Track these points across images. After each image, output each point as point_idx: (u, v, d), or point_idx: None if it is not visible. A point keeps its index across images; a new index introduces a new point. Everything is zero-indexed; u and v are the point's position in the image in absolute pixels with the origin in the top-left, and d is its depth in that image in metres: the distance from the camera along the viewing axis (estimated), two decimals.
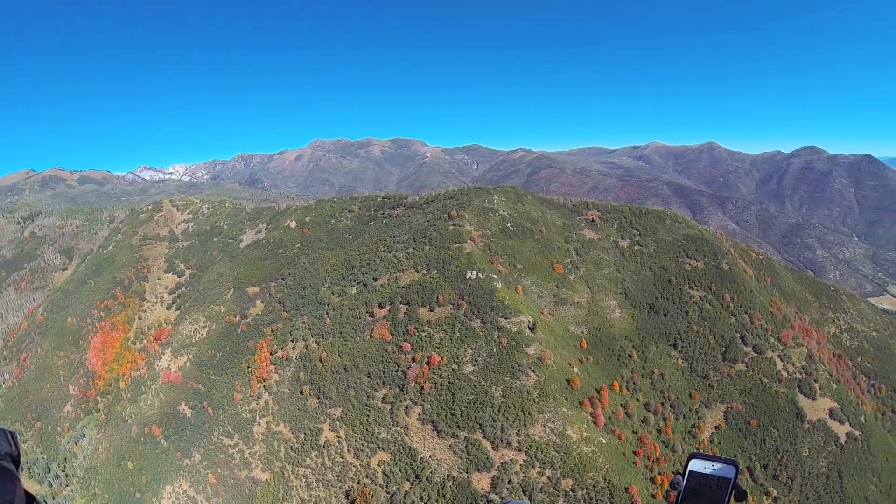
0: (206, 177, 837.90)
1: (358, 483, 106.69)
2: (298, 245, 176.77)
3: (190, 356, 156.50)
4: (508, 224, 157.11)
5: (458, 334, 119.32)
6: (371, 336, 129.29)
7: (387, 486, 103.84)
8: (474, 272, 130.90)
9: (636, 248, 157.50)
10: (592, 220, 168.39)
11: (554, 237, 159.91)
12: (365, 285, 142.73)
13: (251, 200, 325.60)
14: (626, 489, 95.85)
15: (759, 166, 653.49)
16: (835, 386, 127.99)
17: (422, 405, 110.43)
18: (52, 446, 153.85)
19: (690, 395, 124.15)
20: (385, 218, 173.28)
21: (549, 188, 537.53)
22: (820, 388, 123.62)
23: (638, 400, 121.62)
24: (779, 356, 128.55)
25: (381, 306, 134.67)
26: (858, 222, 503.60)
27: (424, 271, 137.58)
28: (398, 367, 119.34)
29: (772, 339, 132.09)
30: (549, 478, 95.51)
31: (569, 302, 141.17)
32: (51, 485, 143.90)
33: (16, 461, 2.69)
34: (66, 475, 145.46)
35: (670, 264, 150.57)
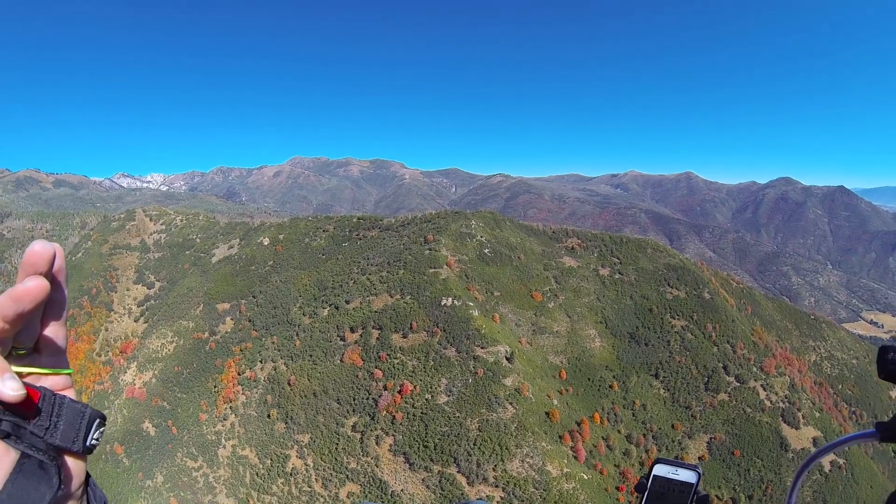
0: (183, 188, 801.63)
1: None
2: (271, 263, 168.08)
3: (156, 372, 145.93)
4: (486, 250, 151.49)
5: (433, 363, 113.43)
6: (342, 361, 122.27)
7: None
8: (450, 299, 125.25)
9: (617, 276, 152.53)
10: (572, 248, 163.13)
11: (533, 264, 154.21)
12: (337, 308, 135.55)
13: (227, 214, 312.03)
14: None
15: (736, 196, 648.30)
16: (818, 414, 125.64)
17: (393, 436, 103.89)
18: None
19: (673, 426, 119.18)
20: (360, 239, 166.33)
21: (528, 213, 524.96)
22: (803, 417, 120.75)
23: (619, 432, 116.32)
24: (761, 385, 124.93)
25: (352, 330, 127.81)
26: (832, 251, 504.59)
27: (398, 296, 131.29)
28: (369, 394, 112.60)
29: (754, 369, 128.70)
30: None
31: (547, 331, 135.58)
32: None
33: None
34: None
35: (651, 293, 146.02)
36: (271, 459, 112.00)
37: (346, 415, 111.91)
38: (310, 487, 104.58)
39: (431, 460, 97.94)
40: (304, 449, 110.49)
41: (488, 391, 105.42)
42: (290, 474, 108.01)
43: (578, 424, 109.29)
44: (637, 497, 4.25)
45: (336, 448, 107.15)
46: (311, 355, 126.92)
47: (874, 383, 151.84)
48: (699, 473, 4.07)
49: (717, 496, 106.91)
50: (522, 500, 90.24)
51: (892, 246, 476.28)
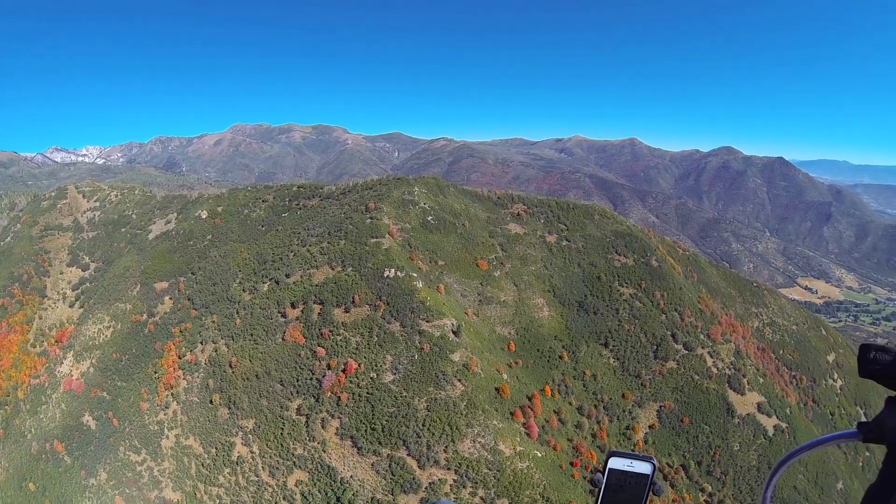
0: (121, 160, 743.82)
1: None
2: (210, 237, 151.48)
3: (93, 360, 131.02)
4: (429, 217, 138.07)
5: (376, 339, 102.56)
6: (283, 339, 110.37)
7: None
8: (393, 270, 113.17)
9: (564, 243, 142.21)
10: (518, 214, 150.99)
11: (478, 231, 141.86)
12: (277, 282, 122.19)
13: (166, 186, 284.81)
14: None
15: (679, 163, 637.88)
16: (761, 380, 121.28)
17: (339, 418, 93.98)
18: None
19: (623, 396, 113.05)
20: (300, 209, 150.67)
21: (471, 178, 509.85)
22: (748, 383, 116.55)
23: (570, 404, 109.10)
24: (708, 353, 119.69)
25: (293, 306, 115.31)
26: (770, 219, 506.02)
27: (339, 268, 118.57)
28: (312, 374, 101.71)
29: (701, 336, 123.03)
30: (482, 498, 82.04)
31: (494, 301, 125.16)
32: None
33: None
34: None
35: (599, 261, 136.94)
36: (216, 448, 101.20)
37: (290, 397, 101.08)
38: (257, 477, 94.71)
39: (380, 443, 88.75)
40: (249, 435, 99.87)
41: (435, 368, 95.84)
42: (237, 463, 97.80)
43: (529, 399, 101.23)
44: (594, 491, 4.03)
45: (281, 433, 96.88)
46: (251, 334, 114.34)
47: (812, 348, 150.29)
48: (654, 465, 3.95)
49: (667, 464, 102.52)
50: (476, 483, 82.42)
51: (826, 216, 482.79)
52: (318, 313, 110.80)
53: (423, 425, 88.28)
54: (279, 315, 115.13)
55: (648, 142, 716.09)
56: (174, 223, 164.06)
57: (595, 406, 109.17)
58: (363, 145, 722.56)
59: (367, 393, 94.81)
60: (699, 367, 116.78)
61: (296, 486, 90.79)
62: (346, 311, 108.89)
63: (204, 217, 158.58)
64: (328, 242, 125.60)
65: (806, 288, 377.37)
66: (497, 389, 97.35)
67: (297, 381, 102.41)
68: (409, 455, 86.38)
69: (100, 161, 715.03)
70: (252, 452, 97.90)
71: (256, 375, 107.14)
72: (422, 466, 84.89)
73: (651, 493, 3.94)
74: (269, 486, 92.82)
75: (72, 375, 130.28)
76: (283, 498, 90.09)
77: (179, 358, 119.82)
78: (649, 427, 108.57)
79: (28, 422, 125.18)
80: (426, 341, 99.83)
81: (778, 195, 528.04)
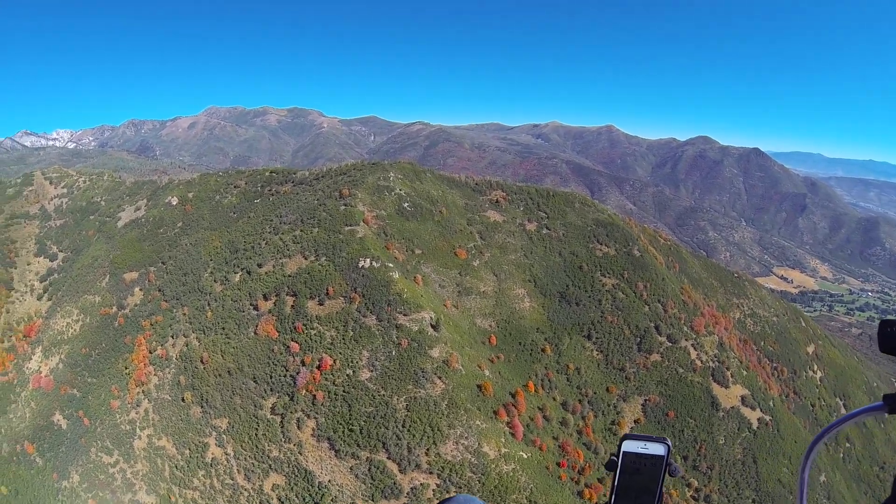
0: (93, 143, 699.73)
1: None
2: (180, 224, 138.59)
3: (62, 356, 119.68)
4: (406, 204, 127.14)
5: (352, 333, 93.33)
6: (255, 333, 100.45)
7: None
8: (368, 259, 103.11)
9: (544, 231, 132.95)
10: (497, 201, 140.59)
11: (456, 219, 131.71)
12: (249, 273, 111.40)
13: (139, 171, 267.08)
14: None
15: (656, 151, 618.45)
16: (745, 373, 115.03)
17: (315, 418, 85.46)
18: None
19: (608, 390, 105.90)
20: (273, 195, 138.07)
21: (447, 162, 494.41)
22: (732, 376, 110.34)
23: (554, 399, 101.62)
24: (692, 345, 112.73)
25: (265, 298, 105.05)
26: (746, 208, 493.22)
27: (313, 258, 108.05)
28: (286, 370, 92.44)
29: (685, 328, 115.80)
30: None
31: (474, 291, 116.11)
32: None
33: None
34: None
35: (581, 250, 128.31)
36: (189, 449, 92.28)
37: (264, 395, 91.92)
38: (232, 480, 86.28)
39: (358, 446, 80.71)
40: (223, 436, 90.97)
41: (414, 364, 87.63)
42: (211, 465, 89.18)
43: (513, 396, 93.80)
44: (609, 475, 3.90)
45: (256, 434, 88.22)
46: (223, 328, 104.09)
47: (792, 340, 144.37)
48: (668, 445, 3.86)
49: None
50: (460, 487, 75.02)
51: (801, 207, 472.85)
52: (292, 306, 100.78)
53: (403, 426, 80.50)
54: (251, 307, 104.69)
55: (626, 129, 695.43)
56: (144, 210, 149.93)
57: (580, 401, 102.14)
58: (339, 129, 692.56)
59: (344, 391, 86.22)
60: (683, 359, 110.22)
61: (272, 490, 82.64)
62: (320, 304, 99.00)
63: (174, 203, 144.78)
64: (301, 230, 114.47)
65: (782, 277, 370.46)
66: (479, 387, 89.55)
67: (271, 377, 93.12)
68: (389, 458, 78.67)
69: (71, 145, 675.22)
70: (226, 454, 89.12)
71: (229, 371, 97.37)
72: (403, 470, 77.24)
73: (667, 474, 3.78)
74: (245, 489, 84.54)
75: (41, 372, 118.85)
76: (260, 503, 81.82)
77: (150, 353, 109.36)
78: (634, 422, 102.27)
79: None
80: (404, 336, 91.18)
81: (754, 185, 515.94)
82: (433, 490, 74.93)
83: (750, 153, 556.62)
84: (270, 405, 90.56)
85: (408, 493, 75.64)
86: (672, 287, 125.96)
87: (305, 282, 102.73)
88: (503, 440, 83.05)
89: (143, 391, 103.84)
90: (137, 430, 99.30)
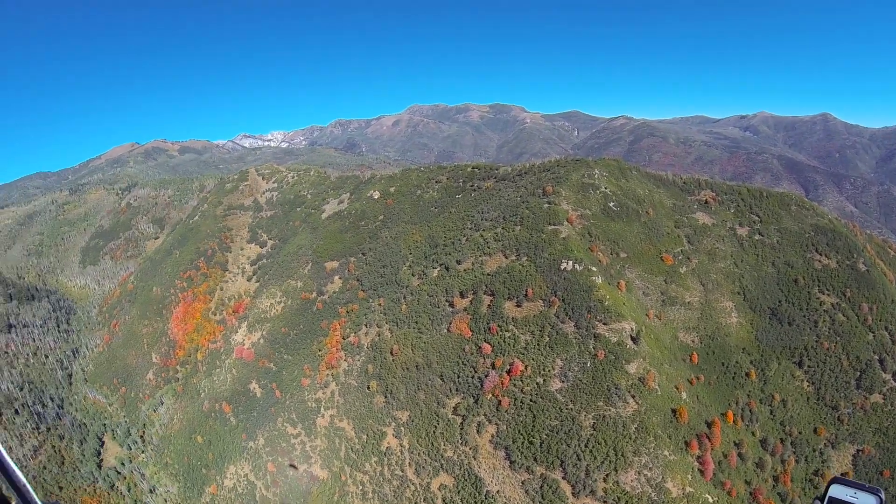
0: (303, 143, 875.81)
1: None
2: (381, 217, 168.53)
3: (264, 332, 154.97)
4: (611, 203, 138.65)
5: (547, 339, 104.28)
6: (448, 330, 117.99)
7: None
8: (570, 262, 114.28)
9: (756, 237, 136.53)
10: (706, 202, 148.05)
11: (662, 220, 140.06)
12: (447, 269, 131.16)
13: (345, 167, 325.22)
14: None
15: (881, 142, 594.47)
16: None
17: (497, 424, 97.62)
18: (134, 411, 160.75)
19: (816, 431, 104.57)
20: (474, 190, 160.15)
21: (652, 158, 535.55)
22: None
23: (753, 434, 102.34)
24: None
25: (462, 295, 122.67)
26: None
27: (514, 257, 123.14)
28: (475, 371, 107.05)
29: None
30: None
31: (678, 301, 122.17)
32: (130, 448, 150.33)
33: None
34: (144, 441, 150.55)
35: (797, 260, 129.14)
36: (367, 435, 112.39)
37: (449, 394, 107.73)
38: (402, 472, 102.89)
39: (535, 460, 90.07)
40: (402, 428, 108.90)
41: (608, 379, 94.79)
42: (385, 454, 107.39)
43: (709, 426, 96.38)
44: None
45: (434, 431, 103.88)
46: (416, 322, 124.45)
47: None
48: (881, 498, 3.85)
49: None
50: None
51: None
52: (488, 305, 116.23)
53: (586, 446, 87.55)
54: (447, 304, 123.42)
55: (844, 117, 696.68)
56: (346, 203, 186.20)
57: (781, 440, 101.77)
58: (542, 124, 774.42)
59: (531, 400, 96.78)
60: None
61: (439, 489, 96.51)
62: (518, 306, 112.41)
63: (376, 197, 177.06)
64: (503, 228, 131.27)
65: None
66: (674, 411, 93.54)
67: (458, 377, 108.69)
68: (564, 478, 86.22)
69: (284, 145, 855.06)
70: (402, 446, 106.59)
71: (417, 366, 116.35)
72: (576, 494, 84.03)
73: None
74: (413, 483, 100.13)
75: (244, 344, 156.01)
76: (424, 500, 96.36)
77: (343, 339, 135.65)
78: (841, 474, 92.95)
79: (203, 382, 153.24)
80: (601, 347, 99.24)
81: None
82: None
83: None
84: (453, 405, 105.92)
85: None
86: None
87: (504, 281, 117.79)
88: (690, 477, 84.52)
89: (332, 374, 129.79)
90: (322, 408, 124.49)
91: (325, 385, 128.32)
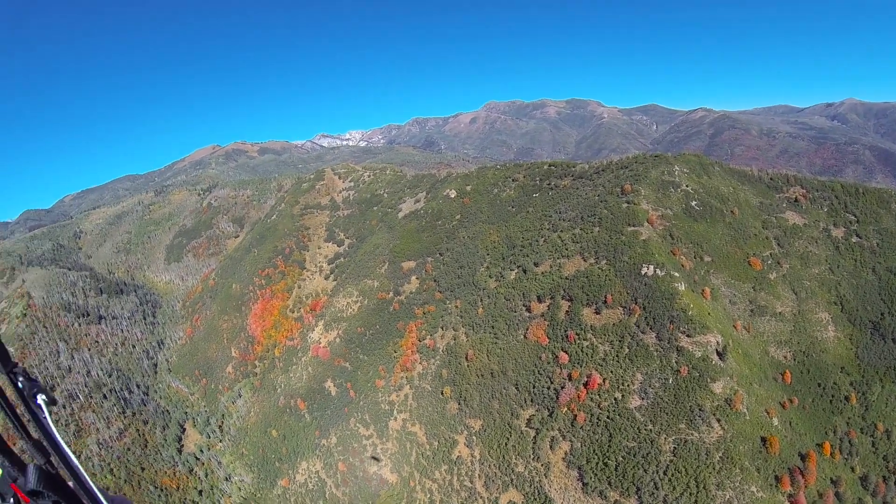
0: (381, 141, 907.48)
1: None
2: (458, 217, 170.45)
3: (340, 331, 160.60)
4: (693, 202, 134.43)
5: (627, 350, 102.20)
6: (525, 337, 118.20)
7: None
8: (651, 267, 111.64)
9: (854, 240, 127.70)
10: (796, 200, 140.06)
11: (749, 221, 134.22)
12: (525, 271, 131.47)
13: (423, 165, 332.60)
14: None
15: None
16: None
17: (571, 441, 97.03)
18: (214, 402, 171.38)
19: None
20: (551, 189, 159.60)
21: (734, 151, 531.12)
22: None
23: (853, 470, 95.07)
24: None
25: (539, 300, 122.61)
26: None
27: (592, 259, 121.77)
28: (551, 382, 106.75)
29: None
30: None
31: (769, 311, 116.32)
32: (209, 436, 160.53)
33: None
34: (222, 430, 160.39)
35: None
36: (439, 442, 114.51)
37: (523, 404, 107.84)
38: (471, 483, 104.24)
39: (609, 484, 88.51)
40: (474, 437, 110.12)
41: (691, 399, 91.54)
42: (455, 462, 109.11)
43: (803, 459, 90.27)
44: None
45: (506, 444, 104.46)
46: (493, 326, 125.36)
47: None
48: None
49: None
50: None
51: None
52: (566, 311, 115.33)
53: (665, 473, 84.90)
54: (524, 308, 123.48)
55: None
56: (423, 202, 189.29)
57: (884, 479, 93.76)
58: (619, 118, 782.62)
59: (608, 417, 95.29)
60: None
61: None
62: (597, 313, 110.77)
63: (452, 196, 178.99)
64: (581, 229, 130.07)
65: None
66: (763, 440, 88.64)
67: (534, 387, 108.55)
68: None
69: (362, 144, 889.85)
70: (472, 456, 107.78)
71: (492, 373, 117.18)
72: None
73: None
74: (481, 497, 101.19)
75: (320, 343, 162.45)
76: None
77: (419, 341, 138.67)
78: None
79: (280, 378, 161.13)
80: (685, 362, 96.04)
81: None
82: None
83: None
84: (528, 416, 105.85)
85: None
86: None
87: (583, 286, 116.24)
88: None
89: (406, 377, 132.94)
90: (395, 411, 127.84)
91: (399, 388, 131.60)
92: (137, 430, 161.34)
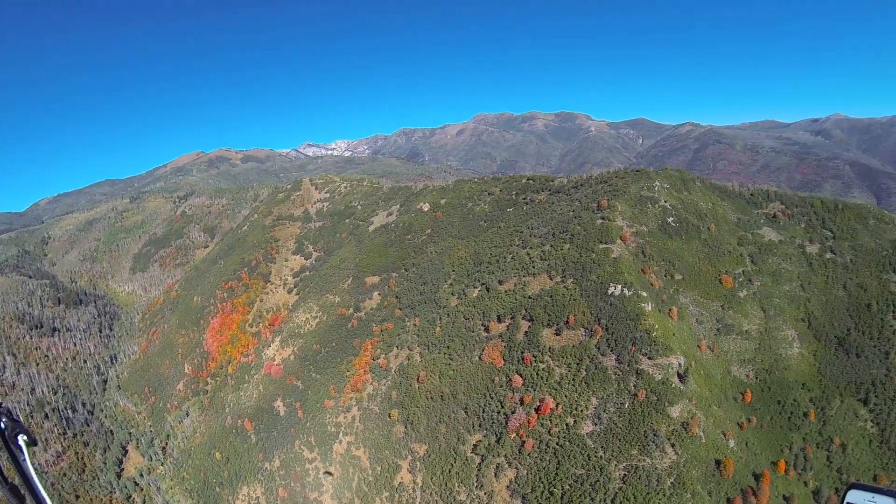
0: (367, 152, 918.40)
1: None
2: (428, 231, 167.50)
3: (296, 348, 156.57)
4: (670, 219, 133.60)
5: (585, 373, 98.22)
6: (480, 359, 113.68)
7: None
8: (618, 286, 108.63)
9: (828, 256, 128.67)
10: (774, 216, 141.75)
11: (725, 237, 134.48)
12: (488, 289, 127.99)
13: (404, 176, 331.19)
14: None
15: None
16: None
17: (517, 468, 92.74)
18: (160, 421, 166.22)
19: (875, 478, 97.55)
20: (526, 203, 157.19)
21: (717, 166, 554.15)
22: None
23: (806, 484, 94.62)
24: None
25: (499, 319, 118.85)
26: None
27: (559, 278, 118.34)
28: (502, 406, 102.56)
29: None
30: None
31: (735, 330, 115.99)
32: (151, 459, 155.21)
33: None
34: (165, 453, 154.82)
35: (871, 282, 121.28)
36: (382, 467, 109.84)
37: (471, 429, 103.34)
38: None
39: None
40: (417, 462, 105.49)
41: (646, 424, 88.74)
42: (396, 489, 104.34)
43: (756, 479, 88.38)
44: None
45: (450, 471, 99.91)
46: (448, 346, 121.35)
47: None
48: None
49: None
50: None
51: None
52: (525, 332, 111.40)
53: (613, 501, 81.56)
54: (482, 328, 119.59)
55: None
56: (395, 215, 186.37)
57: (836, 490, 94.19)
58: (606, 132, 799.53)
59: (557, 444, 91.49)
60: None
61: None
62: (557, 334, 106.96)
63: (425, 210, 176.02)
64: (551, 245, 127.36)
65: None
66: (718, 463, 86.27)
67: (483, 411, 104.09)
68: None
69: (347, 154, 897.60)
70: (415, 482, 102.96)
71: (442, 396, 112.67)
72: None
73: None
74: None
75: (274, 360, 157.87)
76: None
77: (373, 360, 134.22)
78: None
79: (230, 396, 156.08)
80: (643, 385, 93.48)
81: None
82: None
83: None
84: (474, 442, 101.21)
85: None
86: None
87: (545, 306, 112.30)
88: None
89: (356, 397, 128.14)
90: (341, 434, 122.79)
91: (348, 409, 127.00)
92: (77, 453, 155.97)
